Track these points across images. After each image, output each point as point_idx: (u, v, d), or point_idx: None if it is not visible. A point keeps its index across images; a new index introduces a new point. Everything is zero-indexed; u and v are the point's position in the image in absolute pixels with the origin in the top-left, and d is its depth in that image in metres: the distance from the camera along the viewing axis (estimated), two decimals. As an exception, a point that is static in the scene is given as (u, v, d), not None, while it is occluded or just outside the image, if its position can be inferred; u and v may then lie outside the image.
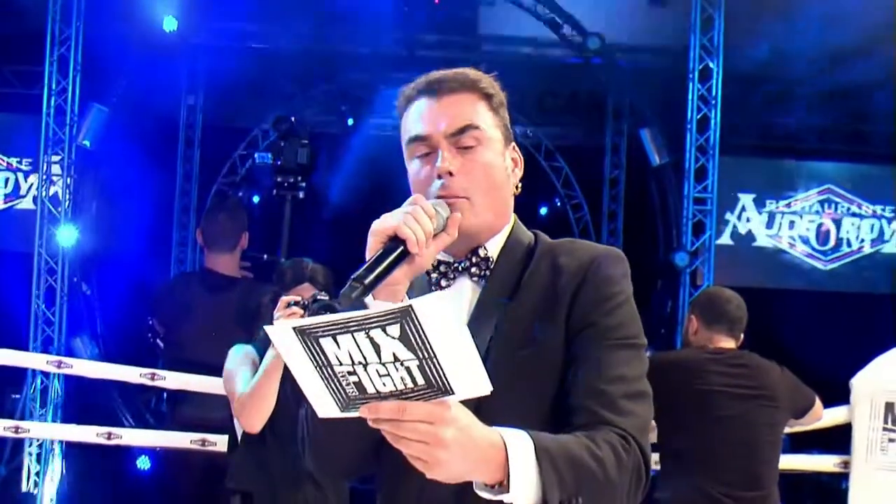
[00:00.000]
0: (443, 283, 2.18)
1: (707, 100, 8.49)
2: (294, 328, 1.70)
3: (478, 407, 1.85)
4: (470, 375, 1.72)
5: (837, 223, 9.67)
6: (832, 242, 9.64)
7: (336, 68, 9.63)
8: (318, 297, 4.03)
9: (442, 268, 2.18)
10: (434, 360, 1.69)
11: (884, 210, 9.66)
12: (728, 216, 9.46)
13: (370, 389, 1.74)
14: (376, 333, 1.68)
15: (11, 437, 6.90)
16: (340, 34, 9.05)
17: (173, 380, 5.74)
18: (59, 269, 7.94)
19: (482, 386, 1.73)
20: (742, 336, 4.77)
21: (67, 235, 7.98)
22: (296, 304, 4.03)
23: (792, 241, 9.64)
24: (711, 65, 8.45)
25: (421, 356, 1.69)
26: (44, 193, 8.01)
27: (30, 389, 7.70)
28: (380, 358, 1.70)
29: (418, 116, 2.18)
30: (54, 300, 7.91)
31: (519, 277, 2.17)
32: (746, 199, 9.59)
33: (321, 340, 1.71)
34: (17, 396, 7.88)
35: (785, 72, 9.10)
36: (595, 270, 2.14)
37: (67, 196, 8.01)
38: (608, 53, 8.94)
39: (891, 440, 5.32)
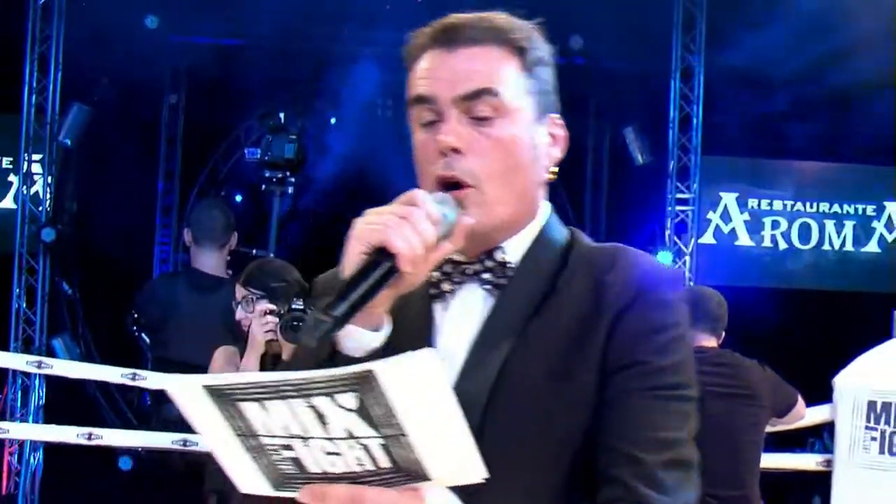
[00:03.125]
0: (444, 285, 1.70)
1: (689, 99, 8.49)
2: (205, 386, 1.30)
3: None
4: (456, 458, 1.32)
5: (820, 222, 9.68)
6: (814, 241, 9.65)
7: (319, 66, 9.61)
8: (294, 307, 3.97)
9: (446, 267, 1.70)
10: (403, 438, 1.29)
11: (865, 210, 9.68)
12: (710, 215, 9.46)
13: (312, 469, 1.35)
14: (321, 402, 1.27)
15: (-9, 437, 6.89)
16: (323, 32, 9.04)
17: (155, 380, 5.73)
18: (39, 268, 7.90)
19: (473, 471, 1.34)
20: (723, 334, 4.78)
21: (48, 234, 7.94)
22: (271, 312, 4.01)
23: (774, 240, 9.65)
24: (694, 63, 8.46)
25: (385, 434, 1.29)
26: (24, 192, 7.96)
27: (11, 390, 7.66)
28: (327, 433, 1.30)
29: (424, 71, 1.71)
30: (35, 300, 7.87)
31: (546, 290, 1.68)
32: (729, 198, 9.59)
33: (241, 405, 1.30)
34: (-1, 397, 7.85)
35: (768, 71, 9.11)
36: (647, 291, 1.66)
37: (48, 195, 7.97)
38: (590, 53, 8.95)
39: (873, 438, 5.33)
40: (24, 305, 7.86)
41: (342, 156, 9.61)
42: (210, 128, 10.32)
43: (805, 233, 9.64)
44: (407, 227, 1.50)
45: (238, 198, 10.25)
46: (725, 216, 9.58)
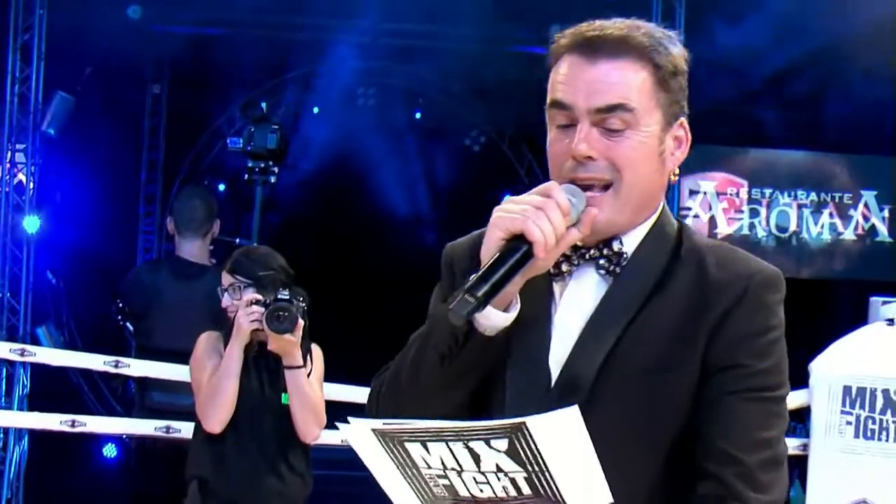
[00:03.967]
0: (563, 266, 1.82)
1: (669, 88, 8.54)
2: (374, 430, 1.51)
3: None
4: (587, 486, 1.51)
5: (797, 210, 9.77)
6: (791, 229, 9.74)
7: (301, 56, 9.64)
8: (280, 297, 4.02)
9: (567, 250, 1.80)
10: (546, 473, 1.49)
11: (842, 198, 9.77)
12: (689, 203, 9.53)
13: (463, 493, 1.55)
14: (477, 445, 1.47)
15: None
16: (305, 21, 9.06)
17: (138, 367, 5.75)
18: (23, 257, 7.91)
19: (601, 497, 1.52)
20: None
21: (32, 223, 7.95)
22: (256, 302, 4.05)
23: (753, 228, 9.73)
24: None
25: (531, 470, 1.49)
26: (8, 182, 7.97)
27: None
28: (479, 468, 1.50)
29: (565, 77, 1.81)
30: (20, 288, 7.88)
31: (657, 282, 1.80)
32: (708, 187, 9.66)
33: (407, 445, 1.51)
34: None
35: (747, 61, 9.18)
36: (752, 293, 1.78)
37: (32, 184, 7.98)
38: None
39: (848, 423, 5.40)
40: (8, 294, 7.87)
41: (324, 144, 9.65)
42: (192, 117, 10.34)
43: (783, 221, 9.72)
44: (542, 218, 1.66)
45: (221, 187, 10.29)
46: (705, 205, 9.65)
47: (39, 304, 8.08)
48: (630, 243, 1.83)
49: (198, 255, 5.99)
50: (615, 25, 1.83)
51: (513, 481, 1.49)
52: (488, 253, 1.68)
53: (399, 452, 1.51)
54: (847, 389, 5.42)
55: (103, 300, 8.25)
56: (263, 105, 5.93)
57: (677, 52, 1.85)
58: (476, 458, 1.47)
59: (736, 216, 9.69)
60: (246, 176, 5.81)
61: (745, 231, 9.71)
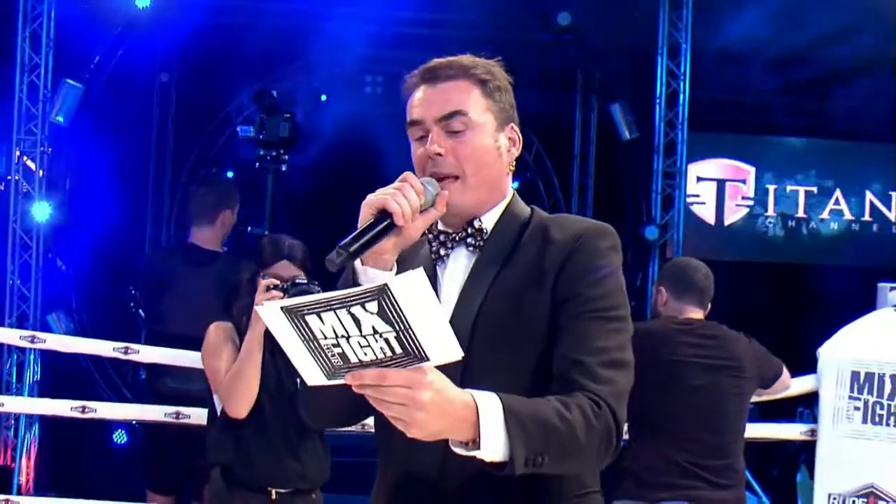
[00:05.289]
0: (441, 251, 2.33)
1: (676, 75, 8.56)
2: (282, 308, 1.86)
3: (464, 370, 2.07)
4: (443, 343, 1.87)
5: (805, 197, 9.77)
6: (799, 216, 9.75)
7: (308, 43, 9.64)
8: (297, 281, 4.08)
9: (441, 237, 2.32)
10: (410, 331, 1.84)
11: (849, 184, 9.78)
12: (697, 189, 9.54)
13: (353, 359, 1.90)
14: (356, 310, 1.83)
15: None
16: (313, 10, 9.06)
17: (147, 353, 5.77)
18: (33, 244, 7.95)
19: (454, 352, 1.89)
20: (709, 306, 4.84)
21: (42, 211, 7.99)
22: (275, 287, 4.09)
23: (761, 214, 9.74)
24: (680, 40, 8.53)
25: (397, 328, 1.84)
26: (18, 170, 8.00)
27: (6, 365, 7.72)
28: (360, 331, 1.85)
29: (416, 101, 2.35)
30: (29, 276, 7.92)
31: (511, 249, 2.30)
32: (715, 174, 9.67)
33: (307, 318, 1.86)
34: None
35: (754, 47, 9.18)
36: (583, 243, 2.26)
37: (41, 172, 8.01)
38: (578, 29, 9.00)
39: (856, 408, 5.43)
40: (19, 282, 7.91)
41: (331, 132, 9.66)
42: (201, 105, 10.36)
43: (790, 208, 9.73)
44: (399, 195, 2.14)
45: (230, 174, 10.31)
46: (711, 192, 9.66)
47: (49, 291, 8.11)
48: (488, 222, 2.33)
49: (209, 242, 6.01)
50: (448, 59, 2.37)
51: (387, 341, 1.85)
52: (361, 223, 2.13)
53: (302, 326, 1.87)
54: (855, 375, 5.45)
55: (113, 287, 8.28)
56: (275, 94, 5.95)
57: (500, 74, 2.38)
58: (357, 323, 1.84)
59: (743, 203, 9.71)
60: (258, 164, 5.82)
61: (752, 217, 9.72)
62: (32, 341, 6.06)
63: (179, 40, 9.40)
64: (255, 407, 4.17)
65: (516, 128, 2.41)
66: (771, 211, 9.73)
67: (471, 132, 2.30)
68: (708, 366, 4.65)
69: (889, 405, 5.39)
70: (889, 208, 9.74)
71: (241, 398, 4.13)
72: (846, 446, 5.46)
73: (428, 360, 1.89)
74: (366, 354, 1.88)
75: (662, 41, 8.52)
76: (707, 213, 9.63)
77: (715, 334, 4.72)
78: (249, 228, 6.24)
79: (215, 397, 4.33)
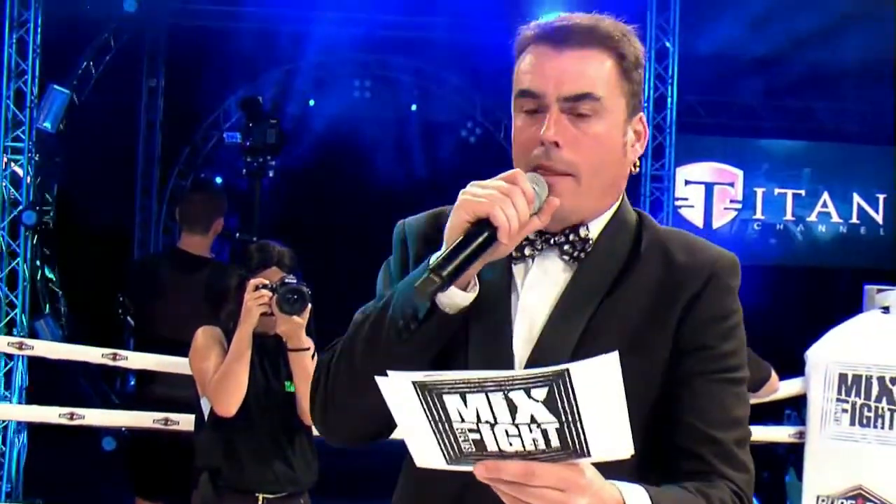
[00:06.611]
0: (526, 250, 1.85)
1: (664, 78, 8.57)
2: (414, 382, 1.50)
3: None
4: (613, 438, 1.51)
5: (792, 199, 9.79)
6: (786, 218, 9.77)
7: (297, 48, 9.64)
8: (287, 281, 4.08)
9: (531, 235, 1.82)
10: (578, 423, 1.49)
11: (835, 187, 9.80)
12: (685, 192, 9.55)
13: (491, 448, 1.53)
14: (517, 395, 1.47)
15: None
16: (301, 14, 9.07)
17: (136, 360, 5.76)
18: (21, 251, 7.93)
19: (624, 449, 1.52)
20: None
21: (29, 218, 7.96)
22: (264, 286, 4.08)
23: (747, 217, 9.76)
24: (668, 44, 8.54)
25: (563, 420, 1.49)
26: (5, 176, 7.98)
27: (-7, 372, 7.70)
28: (513, 419, 1.49)
29: (533, 66, 1.84)
30: (17, 283, 7.89)
31: (623, 266, 1.85)
32: (704, 177, 9.69)
33: (445, 397, 1.50)
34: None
35: (741, 51, 9.20)
36: (715, 279, 1.83)
37: (29, 179, 7.99)
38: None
39: (844, 410, 5.42)
40: (6, 288, 7.88)
41: (320, 136, 9.65)
42: (188, 111, 10.35)
43: (778, 210, 9.75)
44: (507, 204, 1.69)
45: (218, 179, 10.29)
46: (699, 195, 9.67)
47: (37, 297, 8.09)
48: (595, 229, 1.87)
49: (199, 248, 6.00)
50: (580, 16, 1.86)
51: (544, 433, 1.49)
52: (453, 234, 1.72)
53: (435, 405, 1.51)
54: (843, 377, 5.44)
55: (101, 293, 8.25)
56: (261, 100, 5.94)
57: (639, 46, 1.89)
58: (513, 409, 1.48)
59: (731, 206, 9.72)
60: (245, 170, 5.82)
61: (740, 220, 9.73)
62: (21, 348, 6.04)
63: (167, 45, 9.41)
64: (243, 409, 4.16)
65: (644, 119, 1.93)
66: (759, 214, 9.75)
67: (599, 121, 1.81)
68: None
69: (877, 407, 5.39)
70: (877, 210, 9.77)
71: (230, 395, 4.12)
72: (834, 448, 5.45)
73: (589, 455, 1.52)
74: (511, 444, 1.51)
75: (650, 45, 8.52)
76: (695, 217, 9.64)
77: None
78: (238, 234, 6.22)
79: (203, 402, 4.32)
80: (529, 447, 1.50)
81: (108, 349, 5.75)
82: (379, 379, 1.52)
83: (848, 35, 8.43)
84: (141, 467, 5.96)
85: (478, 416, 1.49)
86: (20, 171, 7.98)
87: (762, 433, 6.43)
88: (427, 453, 1.57)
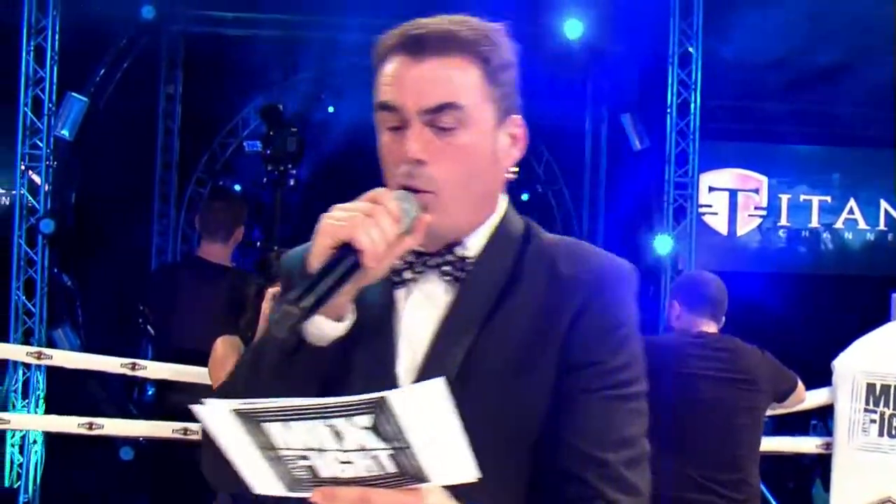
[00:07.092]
0: (406, 274, 1.76)
1: (687, 84, 8.49)
2: (233, 410, 1.43)
3: None
4: (453, 464, 1.46)
5: (818, 206, 9.70)
6: (812, 225, 9.68)
7: (315, 55, 9.61)
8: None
9: (409, 257, 1.75)
10: (409, 449, 1.43)
11: (862, 193, 9.70)
12: (709, 199, 9.48)
13: (326, 474, 1.48)
14: (339, 422, 1.41)
15: (-8, 428, 6.90)
16: (319, 20, 9.04)
17: (154, 369, 5.73)
18: (38, 260, 7.90)
19: (466, 472, 1.46)
20: (723, 319, 4.78)
21: (47, 226, 7.93)
22: None
23: (773, 224, 9.67)
24: (691, 49, 8.46)
25: (394, 447, 1.43)
26: (23, 184, 7.96)
27: (11, 381, 7.67)
28: (341, 446, 1.44)
29: (391, 78, 1.73)
30: (34, 292, 7.87)
31: (505, 284, 1.75)
32: (727, 184, 9.61)
33: (265, 426, 1.44)
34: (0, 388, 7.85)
35: (765, 56, 9.12)
36: (601, 290, 1.72)
37: (46, 186, 7.97)
38: (589, 39, 8.94)
39: (872, 421, 5.36)
40: (24, 297, 7.86)
41: (339, 143, 9.62)
42: (207, 118, 10.34)
43: (803, 217, 9.66)
44: (371, 225, 1.59)
45: (237, 187, 10.28)
46: (723, 201, 9.59)
47: (55, 306, 8.06)
48: (473, 247, 1.77)
49: (219, 257, 5.97)
50: (440, 21, 1.75)
51: (375, 459, 1.44)
52: (315, 262, 1.60)
53: (260, 433, 1.44)
54: (871, 387, 5.37)
55: (119, 302, 8.22)
56: (281, 107, 5.91)
57: (506, 45, 1.78)
58: (338, 436, 1.42)
59: (756, 213, 9.63)
60: (265, 179, 5.79)
61: (765, 227, 9.64)
62: (39, 357, 6.03)
63: (185, 52, 9.39)
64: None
65: (521, 121, 1.82)
66: (784, 221, 9.65)
67: (464, 131, 1.71)
68: (721, 379, 4.60)
69: (906, 418, 5.31)
70: (904, 217, 9.67)
71: None
72: (862, 459, 5.39)
73: (429, 480, 1.47)
74: (344, 472, 1.46)
75: (673, 50, 8.45)
76: (720, 224, 9.56)
77: (727, 347, 4.66)
78: (259, 243, 6.19)
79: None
80: (363, 474, 1.46)
81: (128, 359, 5.74)
82: (194, 407, 1.44)
83: (874, 40, 8.34)
84: (159, 477, 5.93)
85: (304, 444, 1.44)
86: (38, 179, 7.96)
87: (789, 444, 6.35)
88: (264, 481, 1.52)
